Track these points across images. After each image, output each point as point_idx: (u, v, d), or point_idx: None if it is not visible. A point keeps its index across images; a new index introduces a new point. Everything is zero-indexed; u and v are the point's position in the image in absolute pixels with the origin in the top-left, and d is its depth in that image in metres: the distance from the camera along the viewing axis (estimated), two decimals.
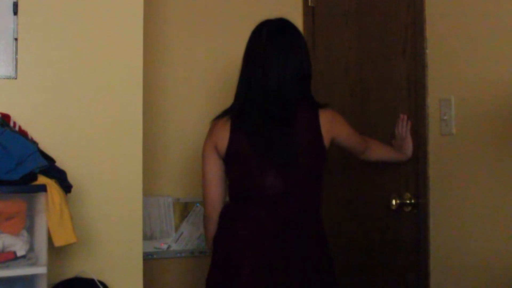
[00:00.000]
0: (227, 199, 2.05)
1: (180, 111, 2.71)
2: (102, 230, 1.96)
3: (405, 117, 2.25)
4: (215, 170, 2.01)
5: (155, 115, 2.62)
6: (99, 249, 1.95)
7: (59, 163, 1.77)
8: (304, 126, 1.94)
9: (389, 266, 2.33)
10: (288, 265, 1.90)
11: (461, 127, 2.00)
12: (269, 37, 1.97)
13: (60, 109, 1.93)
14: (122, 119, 2.00)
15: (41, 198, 1.63)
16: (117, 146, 2.00)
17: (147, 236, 2.60)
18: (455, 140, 2.02)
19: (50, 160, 1.75)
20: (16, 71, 1.88)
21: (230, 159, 1.97)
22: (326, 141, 1.97)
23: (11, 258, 1.58)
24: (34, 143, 1.78)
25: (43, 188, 1.61)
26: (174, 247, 2.68)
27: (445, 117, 2.05)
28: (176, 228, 2.68)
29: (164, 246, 2.66)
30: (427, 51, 2.14)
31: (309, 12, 2.87)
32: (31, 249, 1.63)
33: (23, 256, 1.60)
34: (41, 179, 1.63)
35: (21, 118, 1.85)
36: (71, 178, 1.76)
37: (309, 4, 2.86)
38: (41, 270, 1.60)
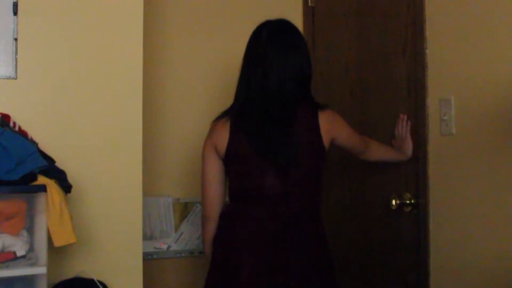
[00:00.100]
0: (227, 199, 2.06)
1: (180, 111, 2.71)
2: (102, 230, 1.96)
3: (405, 117, 2.25)
4: (215, 171, 2.01)
5: (155, 115, 2.62)
6: (99, 249, 1.95)
7: (59, 163, 1.77)
8: (304, 126, 1.94)
9: (389, 266, 2.33)
10: (288, 265, 1.90)
11: (461, 127, 2.00)
12: (269, 38, 1.97)
13: (60, 109, 1.93)
14: (122, 119, 2.00)
15: (41, 198, 1.62)
16: (117, 146, 2.00)
17: (147, 236, 2.60)
18: (455, 140, 2.02)
19: (50, 160, 1.75)
20: (16, 71, 1.88)
21: (229, 160, 1.97)
22: (326, 141, 1.97)
23: (11, 258, 1.58)
24: (34, 143, 1.78)
25: (43, 188, 1.61)
26: (174, 247, 2.68)
27: (445, 117, 2.05)
28: (176, 228, 2.68)
29: (164, 246, 2.66)
30: (427, 51, 2.14)
31: (309, 12, 2.87)
32: (31, 249, 1.63)
33: (23, 256, 1.60)
34: (41, 179, 1.63)
35: (21, 118, 1.85)
36: (71, 178, 1.76)
37: (309, 4, 2.86)
38: (41, 270, 1.60)
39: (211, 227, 2.03)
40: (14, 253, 1.59)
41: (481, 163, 1.91)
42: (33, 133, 1.84)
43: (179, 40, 2.73)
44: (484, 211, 1.90)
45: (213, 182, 2.02)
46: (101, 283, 1.83)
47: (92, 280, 1.83)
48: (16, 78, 1.88)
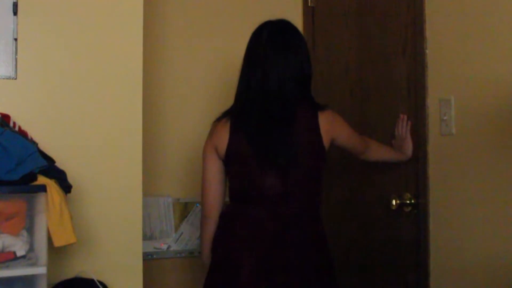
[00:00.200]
0: (227, 199, 2.06)
1: (180, 111, 2.71)
2: (102, 230, 1.96)
3: (405, 117, 2.25)
4: (215, 171, 2.02)
5: (155, 115, 2.62)
6: (99, 249, 1.95)
7: (59, 163, 1.77)
8: (304, 127, 1.94)
9: (389, 266, 2.33)
10: (288, 265, 1.90)
11: (461, 127, 2.00)
12: (269, 38, 1.97)
13: (60, 109, 1.93)
14: (122, 119, 2.00)
15: (41, 198, 1.62)
16: (117, 146, 2.00)
17: (147, 236, 2.60)
18: (455, 140, 2.02)
19: (50, 160, 1.75)
20: (16, 71, 1.88)
21: (230, 160, 1.97)
22: (326, 141, 1.97)
23: (11, 258, 1.58)
24: (34, 143, 1.78)
25: (43, 188, 1.61)
26: (174, 247, 2.68)
27: (445, 117, 2.05)
28: (176, 228, 2.68)
29: (164, 246, 2.66)
30: (427, 51, 2.14)
31: (309, 12, 2.87)
32: (31, 249, 1.63)
33: (23, 256, 1.60)
34: (41, 179, 1.63)
35: (21, 118, 1.84)
36: (71, 178, 1.76)
37: (309, 4, 2.86)
38: (41, 270, 1.60)
39: (211, 227, 2.03)
40: (14, 253, 1.59)
41: (481, 163, 1.91)
42: (33, 133, 1.84)
43: (179, 40, 2.73)
44: (484, 211, 1.90)
45: (213, 182, 2.02)
46: (101, 283, 1.83)
47: (92, 280, 1.83)
48: (16, 78, 1.88)
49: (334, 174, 2.55)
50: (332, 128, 1.99)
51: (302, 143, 1.93)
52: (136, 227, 2.01)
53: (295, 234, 1.92)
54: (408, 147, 2.22)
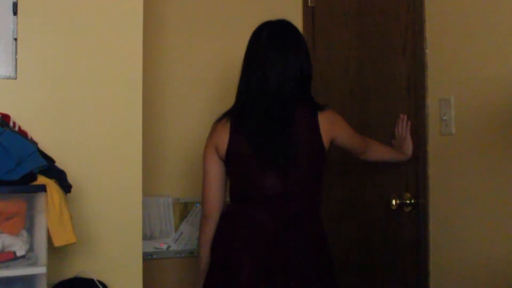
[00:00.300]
0: (227, 199, 2.06)
1: (180, 111, 2.71)
2: (102, 230, 1.96)
3: (405, 117, 2.25)
4: (215, 171, 2.02)
5: (155, 115, 2.62)
6: (99, 249, 1.95)
7: (59, 163, 1.77)
8: (303, 127, 1.94)
9: (389, 266, 2.33)
10: (288, 265, 1.90)
11: (461, 127, 2.00)
12: (269, 38, 1.97)
13: (60, 109, 1.93)
14: (122, 119, 2.00)
15: (41, 198, 1.62)
16: (117, 146, 2.00)
17: (147, 236, 2.60)
18: (455, 140, 2.02)
19: (50, 160, 1.75)
20: (16, 71, 1.88)
21: (230, 160, 1.97)
22: (326, 141, 1.97)
23: (11, 258, 1.58)
24: (34, 143, 1.78)
25: (43, 188, 1.61)
26: (174, 247, 2.68)
27: (445, 117, 2.05)
28: (176, 228, 2.68)
29: (164, 246, 2.66)
30: (427, 51, 2.14)
31: (309, 12, 2.87)
32: (30, 249, 1.63)
33: (23, 256, 1.60)
34: (41, 179, 1.63)
35: (21, 118, 1.84)
36: (71, 178, 1.76)
37: (309, 4, 2.86)
38: (41, 270, 1.60)
39: (211, 227, 2.03)
40: (14, 253, 1.59)
41: (481, 163, 1.91)
42: (33, 133, 1.84)
43: (179, 40, 2.72)
44: (484, 211, 1.90)
45: (213, 182, 2.02)
46: (101, 283, 1.83)
47: (92, 280, 1.83)
48: (16, 78, 1.88)
49: (334, 174, 2.55)
50: (332, 128, 1.99)
51: (302, 143, 1.93)
52: (136, 227, 2.01)
53: (295, 234, 1.92)
54: (408, 147, 2.22)
